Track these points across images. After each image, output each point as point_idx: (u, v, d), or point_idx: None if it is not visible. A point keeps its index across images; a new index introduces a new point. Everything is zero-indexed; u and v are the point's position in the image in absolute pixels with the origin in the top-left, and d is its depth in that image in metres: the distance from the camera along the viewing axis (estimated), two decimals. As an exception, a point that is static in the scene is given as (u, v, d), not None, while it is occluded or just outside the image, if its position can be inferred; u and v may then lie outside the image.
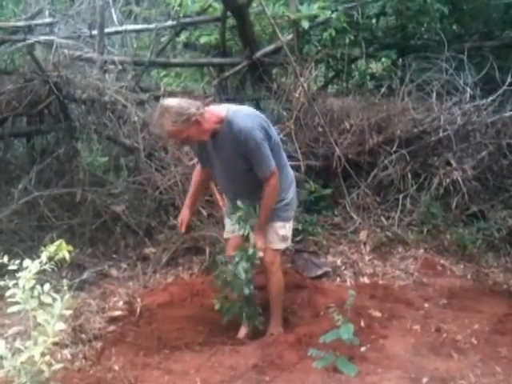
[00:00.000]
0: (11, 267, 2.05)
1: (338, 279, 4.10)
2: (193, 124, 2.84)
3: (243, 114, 2.99)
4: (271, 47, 5.57)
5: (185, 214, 3.36)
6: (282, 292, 3.36)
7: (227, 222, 3.38)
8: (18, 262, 2.05)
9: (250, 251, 3.03)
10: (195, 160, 3.40)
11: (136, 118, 4.48)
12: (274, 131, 3.10)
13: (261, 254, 3.06)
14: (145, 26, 6.17)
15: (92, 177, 4.52)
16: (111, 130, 4.56)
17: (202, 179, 3.37)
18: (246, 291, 3.06)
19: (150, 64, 5.59)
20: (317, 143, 4.86)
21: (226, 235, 3.45)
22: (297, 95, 4.87)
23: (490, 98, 4.94)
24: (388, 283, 3.99)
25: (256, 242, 3.07)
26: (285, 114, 5.09)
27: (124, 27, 6.13)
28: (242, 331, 3.34)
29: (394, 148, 4.83)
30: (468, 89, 4.96)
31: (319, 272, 4.11)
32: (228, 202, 3.34)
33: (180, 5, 5.47)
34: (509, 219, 4.57)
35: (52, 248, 2.08)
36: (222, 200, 3.58)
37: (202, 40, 5.91)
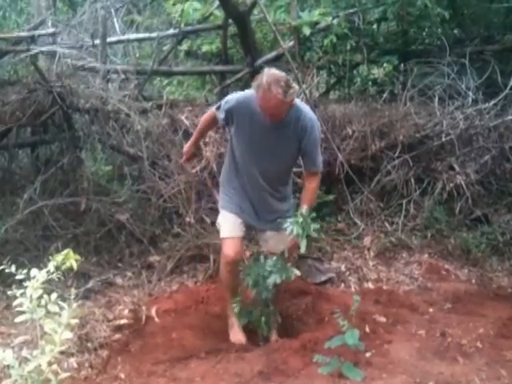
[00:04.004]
0: (18, 277, 2.05)
1: (343, 285, 4.11)
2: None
3: (309, 107, 3.17)
4: (272, 54, 5.57)
5: (189, 146, 3.47)
6: None
7: (231, 218, 3.19)
8: (24, 271, 2.06)
9: (289, 269, 3.02)
10: (213, 108, 3.23)
11: (139, 127, 4.50)
12: None
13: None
14: (147, 35, 6.18)
15: (96, 186, 4.54)
16: (115, 139, 4.58)
17: (211, 126, 3.48)
18: (269, 295, 3.08)
19: (153, 73, 5.62)
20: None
21: (229, 234, 3.18)
22: (299, 102, 4.88)
23: (492, 102, 4.95)
24: (392, 288, 3.99)
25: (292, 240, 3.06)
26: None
27: (126, 36, 6.15)
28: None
29: (397, 153, 4.84)
30: (470, 93, 4.97)
31: (323, 278, 4.12)
32: (236, 196, 3.22)
33: (181, 14, 5.51)
34: (513, 223, 4.57)
35: (59, 257, 2.09)
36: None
37: (204, 48, 5.94)
